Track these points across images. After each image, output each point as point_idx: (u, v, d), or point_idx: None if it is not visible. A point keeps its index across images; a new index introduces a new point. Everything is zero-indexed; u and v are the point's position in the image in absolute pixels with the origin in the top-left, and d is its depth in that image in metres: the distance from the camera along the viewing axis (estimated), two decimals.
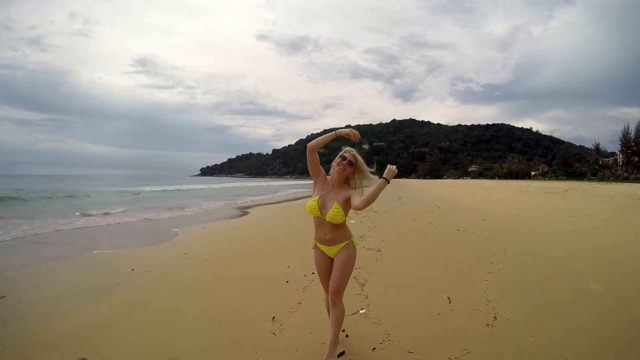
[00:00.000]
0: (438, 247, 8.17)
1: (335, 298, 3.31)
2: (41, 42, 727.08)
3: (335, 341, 3.26)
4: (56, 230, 11.98)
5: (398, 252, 7.70)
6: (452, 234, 9.75)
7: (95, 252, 8.33)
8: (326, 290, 3.52)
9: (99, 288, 5.57)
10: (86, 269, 6.88)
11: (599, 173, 72.12)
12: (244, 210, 18.99)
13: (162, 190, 44.35)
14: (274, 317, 4.25)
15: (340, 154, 3.33)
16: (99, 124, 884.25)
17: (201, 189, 54.16)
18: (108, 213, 18.04)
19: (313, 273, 6.05)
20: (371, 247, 8.19)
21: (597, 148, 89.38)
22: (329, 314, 3.51)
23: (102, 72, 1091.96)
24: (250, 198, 31.33)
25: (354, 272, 5.27)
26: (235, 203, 25.67)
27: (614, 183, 36.88)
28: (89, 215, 17.14)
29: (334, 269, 3.37)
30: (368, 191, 3.14)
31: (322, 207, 3.29)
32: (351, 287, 5.34)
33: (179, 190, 46.38)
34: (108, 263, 7.37)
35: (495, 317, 4.21)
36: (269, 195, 35.76)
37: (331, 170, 3.38)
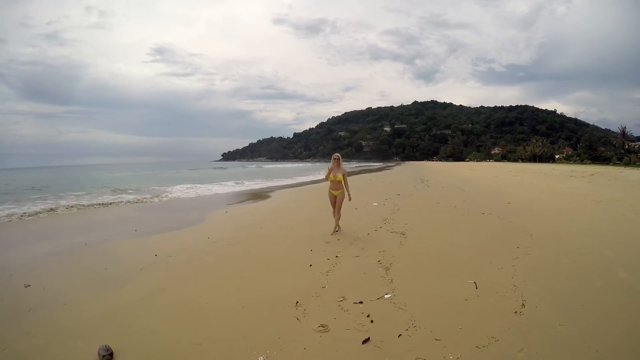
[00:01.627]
0: (463, 231, 8.01)
1: (338, 211, 8.05)
2: (59, 37, 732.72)
3: (339, 220, 8.16)
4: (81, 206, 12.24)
5: (422, 236, 7.59)
6: (477, 217, 9.56)
7: (118, 239, 8.42)
8: (333, 207, 8.10)
9: (122, 274, 5.63)
10: (110, 255, 6.95)
11: (625, 158, 70.03)
12: (265, 194, 19.09)
13: (184, 175, 44.85)
14: (297, 302, 4.23)
15: (333, 156, 8.22)
16: (120, 114, 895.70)
17: (223, 173, 54.63)
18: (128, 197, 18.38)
19: (337, 257, 6.04)
20: (395, 229, 8.13)
21: (623, 132, 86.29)
22: (334, 216, 8.14)
23: (121, 63, 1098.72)
24: (272, 183, 31.39)
25: (378, 256, 6.08)
26: (257, 186, 25.80)
27: None
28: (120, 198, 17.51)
29: (337, 201, 8.00)
30: (347, 186, 8.09)
31: (335, 175, 7.94)
32: (375, 270, 5.31)
33: (201, 174, 46.89)
34: (131, 250, 7.39)
35: (523, 304, 4.10)
36: (290, 180, 35.63)
37: (330, 162, 8.16)
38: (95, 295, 4.77)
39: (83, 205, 15.29)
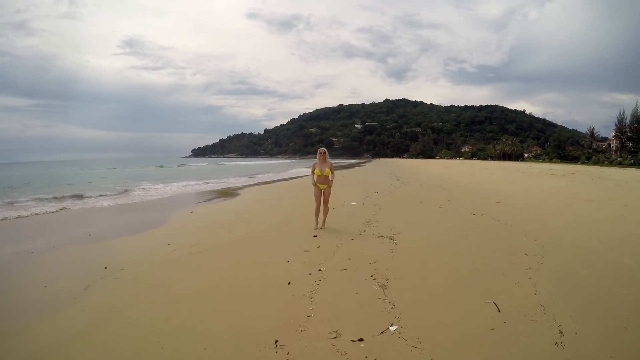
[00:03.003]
0: (459, 235, 7.13)
1: (325, 205, 7.99)
2: (27, 27, 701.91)
3: (326, 215, 8.09)
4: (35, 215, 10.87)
5: (414, 241, 6.66)
6: (469, 218, 8.75)
7: (69, 246, 7.20)
8: (318, 204, 7.94)
9: (62, 295, 4.53)
10: (54, 268, 5.79)
11: (593, 157, 72.64)
12: (234, 192, 17.89)
13: (152, 171, 42.94)
14: (277, 341, 3.14)
15: (319, 150, 8.07)
16: (88, 108, 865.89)
17: (190, 169, 52.69)
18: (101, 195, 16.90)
19: (320, 270, 5.02)
20: (382, 234, 7.18)
21: (592, 132, 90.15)
22: (316, 217, 7.99)
23: (90, 55, 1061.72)
24: (241, 179, 30.08)
25: (369, 269, 5.09)
26: (224, 184, 24.49)
27: (620, 167, 36.10)
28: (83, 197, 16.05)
29: (324, 195, 7.93)
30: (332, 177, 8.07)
31: (322, 170, 7.86)
32: (370, 289, 4.33)
33: (169, 170, 44.97)
34: (80, 260, 6.25)
35: (560, 331, 3.27)
36: (260, 176, 34.29)
37: (317, 156, 8.06)
38: (24, 327, 3.70)
39: (41, 203, 14.01)
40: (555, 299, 3.97)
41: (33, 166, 78.17)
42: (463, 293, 4.21)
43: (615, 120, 75.06)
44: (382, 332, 3.28)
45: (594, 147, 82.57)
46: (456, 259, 5.52)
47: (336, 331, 3.29)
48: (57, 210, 12.46)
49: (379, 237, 6.94)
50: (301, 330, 3.35)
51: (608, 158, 71.09)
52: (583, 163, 65.24)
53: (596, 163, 63.40)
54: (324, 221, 7.96)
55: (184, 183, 24.62)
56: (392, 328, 3.37)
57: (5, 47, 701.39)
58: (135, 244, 7.15)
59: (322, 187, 7.89)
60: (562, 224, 7.97)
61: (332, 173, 7.97)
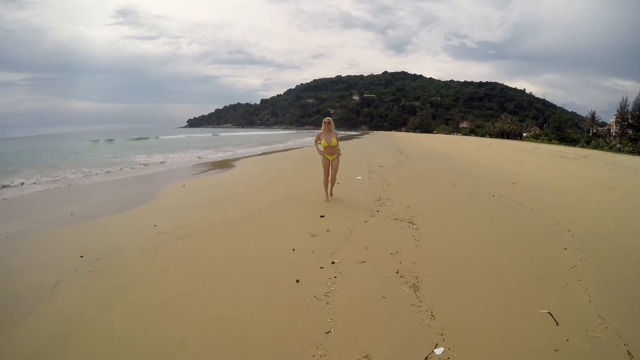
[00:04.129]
0: (486, 221, 6.33)
1: (334, 176, 7.72)
2: (17, 0, 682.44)
3: (333, 186, 7.90)
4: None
5: (437, 226, 5.87)
6: (489, 200, 7.96)
7: (48, 227, 6.41)
8: (326, 175, 7.62)
9: (28, 294, 3.78)
10: (26, 256, 4.97)
11: (593, 141, 72.69)
12: (230, 163, 17.00)
13: (147, 140, 41.80)
14: None
15: (324, 119, 7.73)
16: (81, 80, 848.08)
17: (186, 139, 51.41)
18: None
19: (333, 262, 4.24)
20: (398, 215, 6.41)
21: (593, 116, 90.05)
22: (325, 189, 7.75)
23: (83, 26, 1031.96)
24: (238, 150, 29.09)
25: (392, 261, 4.34)
26: (219, 154, 23.54)
27: (629, 155, 35.23)
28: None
29: (332, 167, 7.62)
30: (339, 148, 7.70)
31: (328, 141, 7.50)
32: (400, 292, 3.55)
33: (163, 140, 43.79)
34: (56, 246, 5.43)
35: (628, 352, 2.66)
36: (257, 148, 33.13)
37: (322, 126, 7.69)
38: None
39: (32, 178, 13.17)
40: (611, 307, 3.30)
41: (28, 141, 76.68)
42: (510, 297, 3.49)
43: (618, 105, 74.91)
44: (426, 358, 2.51)
45: (594, 131, 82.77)
46: (490, 251, 4.75)
47: (367, 356, 2.51)
48: (48, 189, 11.61)
49: (396, 219, 6.17)
50: (321, 355, 2.55)
51: (608, 143, 71.05)
52: (583, 146, 65.35)
53: (595, 147, 63.33)
54: (331, 192, 7.85)
55: (182, 152, 23.64)
56: (438, 351, 2.62)
57: None
58: (119, 225, 6.34)
59: (331, 158, 7.56)
60: (590, 214, 7.12)
61: (337, 143, 7.62)
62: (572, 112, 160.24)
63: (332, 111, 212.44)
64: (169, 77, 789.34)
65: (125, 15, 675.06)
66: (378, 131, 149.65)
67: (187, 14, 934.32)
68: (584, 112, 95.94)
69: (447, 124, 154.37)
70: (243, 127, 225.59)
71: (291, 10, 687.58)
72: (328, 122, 7.61)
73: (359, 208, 6.95)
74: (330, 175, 7.60)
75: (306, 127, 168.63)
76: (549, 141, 77.53)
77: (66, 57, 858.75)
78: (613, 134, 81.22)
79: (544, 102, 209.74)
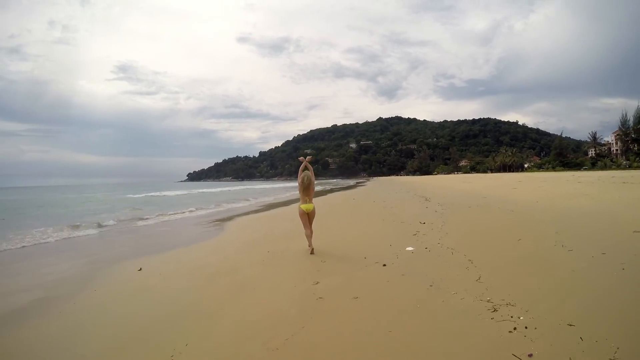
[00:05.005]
0: None
1: (311, 231, 6.95)
2: (21, 52, 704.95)
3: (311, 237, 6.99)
4: None
5: None
6: (616, 274, 4.20)
7: None
8: (307, 228, 6.92)
9: None
10: None
11: (599, 162, 71.48)
12: (220, 224, 13.22)
13: (137, 200, 38.17)
14: None
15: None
16: (82, 133, 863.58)
17: (180, 195, 47.66)
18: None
19: None
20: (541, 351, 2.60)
21: (594, 137, 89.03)
22: (308, 240, 6.95)
23: (84, 80, 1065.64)
24: (231, 205, 25.27)
25: None
26: (209, 214, 19.74)
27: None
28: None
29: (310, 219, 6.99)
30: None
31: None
32: None
33: (158, 197, 39.97)
34: None
35: None
36: (252, 201, 29.24)
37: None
38: None
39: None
40: None
41: (30, 191, 73.39)
42: None
43: (618, 122, 74.72)
44: None
45: (597, 152, 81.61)
46: None
47: None
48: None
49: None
50: None
51: (615, 162, 69.06)
52: (590, 169, 63.67)
53: (602, 168, 61.29)
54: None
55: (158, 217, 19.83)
56: None
57: None
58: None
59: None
60: None
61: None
62: (566, 137, 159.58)
63: (330, 160, 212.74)
64: (169, 132, 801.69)
65: (124, 70, 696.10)
66: (378, 177, 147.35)
67: (184, 70, 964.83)
68: (576, 136, 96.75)
69: (446, 164, 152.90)
70: (242, 179, 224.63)
71: (284, 64, 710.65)
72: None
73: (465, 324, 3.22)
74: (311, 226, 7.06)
75: None
76: (553, 168, 75.62)
77: (68, 110, 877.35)
78: (614, 152, 79.59)
79: (537, 132, 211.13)
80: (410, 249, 6.62)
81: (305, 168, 7.08)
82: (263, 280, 5.48)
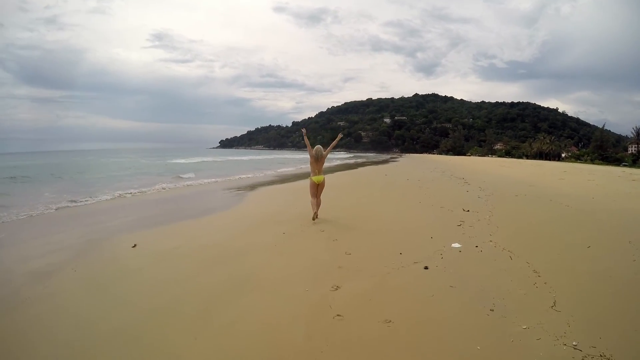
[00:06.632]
0: None
1: (320, 200, 7.45)
2: (58, 22, 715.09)
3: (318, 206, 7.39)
4: None
5: None
6: None
7: None
8: (314, 197, 7.37)
9: None
10: None
11: None
12: (241, 194, 12.23)
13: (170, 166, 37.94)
14: None
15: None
16: (118, 99, 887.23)
17: (211, 162, 47.27)
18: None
19: None
20: None
21: (638, 133, 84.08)
22: (313, 208, 7.27)
23: (120, 48, 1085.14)
24: (252, 174, 24.37)
25: None
26: (232, 182, 18.88)
27: None
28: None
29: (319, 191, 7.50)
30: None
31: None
32: None
33: (190, 164, 39.49)
34: None
35: None
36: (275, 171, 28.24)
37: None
38: None
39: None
40: None
41: (64, 155, 75.70)
42: None
43: None
44: None
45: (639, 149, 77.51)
46: None
47: None
48: None
49: None
50: None
51: None
52: (630, 166, 59.99)
53: None
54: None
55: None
56: None
57: (36, 42, 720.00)
58: None
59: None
60: None
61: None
62: (607, 130, 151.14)
63: (363, 134, 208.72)
64: (203, 99, 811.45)
65: (160, 39, 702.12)
66: (410, 154, 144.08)
67: (220, 38, 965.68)
68: (617, 130, 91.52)
69: (480, 146, 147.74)
70: (274, 149, 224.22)
71: (321, 35, 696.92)
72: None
73: None
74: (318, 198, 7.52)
75: (337, 149, 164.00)
76: (592, 161, 71.74)
77: (104, 77, 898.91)
78: None
79: (577, 121, 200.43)
80: (456, 245, 5.35)
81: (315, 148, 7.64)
82: (268, 275, 4.41)
